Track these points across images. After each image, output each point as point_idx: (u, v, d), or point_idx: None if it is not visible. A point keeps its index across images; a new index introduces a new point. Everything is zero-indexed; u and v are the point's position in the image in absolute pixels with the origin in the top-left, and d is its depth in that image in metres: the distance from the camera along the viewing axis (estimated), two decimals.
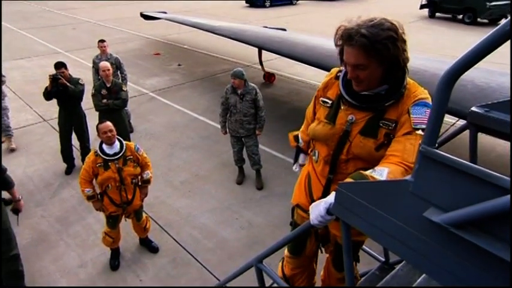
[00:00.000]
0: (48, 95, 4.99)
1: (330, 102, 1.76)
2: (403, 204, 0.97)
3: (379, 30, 1.44)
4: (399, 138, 1.51)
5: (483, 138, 1.80)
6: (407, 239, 0.97)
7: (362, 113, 1.63)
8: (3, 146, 5.75)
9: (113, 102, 5.13)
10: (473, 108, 1.59)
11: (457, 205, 0.82)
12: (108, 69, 5.16)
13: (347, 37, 1.48)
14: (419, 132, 1.46)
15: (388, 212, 1.02)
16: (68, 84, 4.93)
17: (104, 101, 5.10)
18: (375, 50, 1.44)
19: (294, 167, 2.28)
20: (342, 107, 1.69)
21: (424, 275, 1.44)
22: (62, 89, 4.90)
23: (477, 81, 3.72)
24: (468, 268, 0.84)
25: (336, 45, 1.60)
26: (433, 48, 11.89)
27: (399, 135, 1.52)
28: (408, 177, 0.97)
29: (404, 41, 1.50)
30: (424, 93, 1.59)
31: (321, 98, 1.81)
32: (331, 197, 1.26)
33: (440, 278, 0.90)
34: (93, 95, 5.14)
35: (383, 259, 2.25)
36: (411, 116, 1.51)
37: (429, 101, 1.54)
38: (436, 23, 17.62)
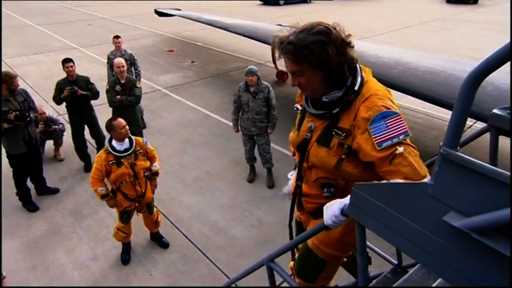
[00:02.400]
0: (60, 101, 5.06)
1: (300, 109, 1.76)
2: (422, 207, 0.94)
3: (306, 35, 1.41)
4: (389, 168, 1.37)
5: (503, 141, 1.76)
6: (425, 242, 0.95)
7: (319, 121, 1.60)
8: (51, 154, 5.76)
9: (127, 99, 5.18)
10: (495, 111, 1.54)
11: (478, 210, 0.80)
12: (123, 66, 5.21)
13: (278, 46, 1.49)
14: (400, 150, 1.35)
15: (405, 214, 0.99)
16: (85, 93, 5.03)
17: (118, 97, 5.15)
18: (301, 56, 1.43)
19: (289, 174, 2.24)
20: (307, 114, 1.67)
21: (439, 280, 1.41)
22: (78, 98, 5.01)
23: (498, 83, 3.63)
24: (488, 274, 0.81)
25: (273, 56, 1.58)
26: None
27: (384, 164, 1.38)
28: (427, 179, 0.94)
29: (340, 45, 1.43)
30: (379, 100, 1.43)
31: (296, 105, 1.81)
32: (347, 198, 1.24)
33: (458, 284, 0.88)
34: (107, 91, 5.19)
35: (396, 262, 2.21)
36: (372, 136, 1.39)
37: (386, 108, 1.40)
38: None
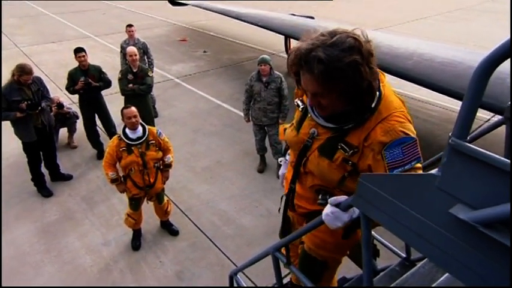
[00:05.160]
0: (74, 91, 5.12)
1: (302, 106, 1.60)
2: (428, 199, 0.92)
3: (339, 52, 1.21)
4: None
5: None
6: (431, 235, 0.92)
7: (324, 130, 1.47)
8: (65, 142, 5.87)
9: (139, 88, 5.21)
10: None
11: (486, 202, 0.77)
12: (135, 55, 5.24)
13: (304, 62, 1.27)
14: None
15: (412, 206, 0.97)
16: (98, 84, 5.09)
17: (130, 85, 5.19)
18: (332, 78, 1.24)
19: (279, 159, 2.17)
20: (309, 116, 1.53)
21: (447, 274, 1.39)
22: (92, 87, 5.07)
23: None
24: (495, 269, 0.79)
25: (291, 67, 1.39)
26: None
27: None
28: (434, 171, 0.92)
29: (369, 59, 1.27)
30: (398, 124, 1.33)
31: (296, 100, 1.65)
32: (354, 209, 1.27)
33: (465, 278, 0.86)
34: (119, 80, 5.24)
35: (404, 255, 2.19)
36: (385, 161, 1.32)
37: (404, 134, 1.32)
38: None
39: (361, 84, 1.27)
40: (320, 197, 1.60)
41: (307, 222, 1.77)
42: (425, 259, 1.83)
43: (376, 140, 1.34)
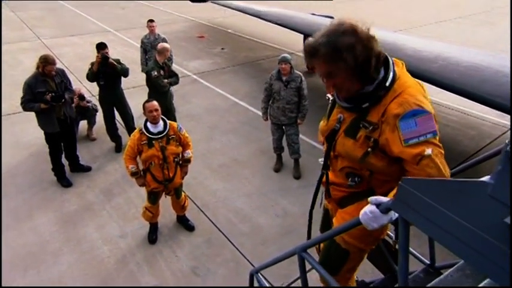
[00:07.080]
0: (92, 76, 5.12)
1: (331, 98, 1.80)
2: (478, 207, 0.90)
3: (335, 38, 1.45)
4: (416, 167, 1.41)
5: None
6: (478, 243, 0.90)
7: (348, 113, 1.64)
8: (84, 133, 5.94)
9: (172, 81, 5.34)
10: None
11: None
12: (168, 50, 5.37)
13: (310, 50, 1.52)
14: (428, 151, 1.38)
15: (458, 213, 0.95)
16: (115, 63, 5.09)
17: (166, 81, 5.26)
18: (332, 57, 1.46)
19: (320, 159, 2.26)
20: (337, 105, 1.72)
21: (482, 284, 1.35)
22: (109, 69, 5.07)
23: None
24: None
25: (308, 62, 1.61)
26: None
27: (411, 163, 1.42)
28: (486, 178, 0.90)
29: (367, 39, 1.45)
30: (411, 97, 1.45)
31: (327, 95, 1.83)
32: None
33: None
34: (156, 77, 5.22)
35: (428, 262, 2.15)
36: (400, 132, 1.42)
37: (417, 106, 1.42)
38: None
39: (357, 60, 1.44)
40: (350, 179, 1.70)
41: (341, 208, 1.86)
42: (453, 267, 1.79)
43: (391, 114, 1.46)
